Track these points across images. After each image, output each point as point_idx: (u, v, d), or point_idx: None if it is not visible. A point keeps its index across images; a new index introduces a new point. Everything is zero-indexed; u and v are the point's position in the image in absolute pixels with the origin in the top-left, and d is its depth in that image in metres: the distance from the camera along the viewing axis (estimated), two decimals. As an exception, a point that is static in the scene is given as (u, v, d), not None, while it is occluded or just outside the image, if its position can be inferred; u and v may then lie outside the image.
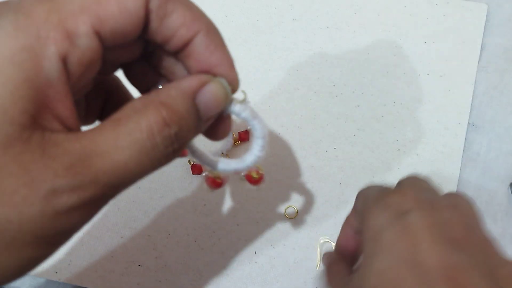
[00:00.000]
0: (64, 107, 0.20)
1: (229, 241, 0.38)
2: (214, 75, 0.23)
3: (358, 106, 0.41)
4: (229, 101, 0.24)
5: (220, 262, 0.38)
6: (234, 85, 0.24)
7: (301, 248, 0.38)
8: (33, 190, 0.18)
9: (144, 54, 0.25)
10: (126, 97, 0.28)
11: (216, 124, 0.25)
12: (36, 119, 0.19)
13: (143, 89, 0.27)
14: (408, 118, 0.41)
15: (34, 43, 0.19)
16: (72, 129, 0.21)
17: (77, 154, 0.19)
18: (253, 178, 0.34)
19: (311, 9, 0.45)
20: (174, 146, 0.22)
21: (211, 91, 0.23)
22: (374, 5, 0.45)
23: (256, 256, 0.38)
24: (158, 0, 0.21)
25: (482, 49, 0.43)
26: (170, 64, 0.25)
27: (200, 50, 0.23)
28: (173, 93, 0.22)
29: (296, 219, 0.39)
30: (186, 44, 0.23)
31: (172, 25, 0.22)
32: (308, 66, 0.43)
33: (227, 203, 0.39)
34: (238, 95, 0.24)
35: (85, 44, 0.20)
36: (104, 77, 0.26)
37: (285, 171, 0.40)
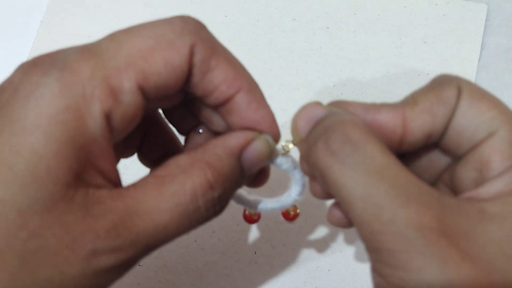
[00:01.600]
0: (107, 161, 0.20)
1: (229, 241, 0.38)
2: (259, 131, 0.23)
3: (358, 106, 0.41)
4: (273, 156, 0.25)
5: (220, 262, 0.38)
6: (277, 139, 0.24)
7: (301, 248, 0.38)
8: (74, 251, 0.18)
9: (184, 101, 0.25)
10: (164, 130, 0.28)
11: (256, 174, 0.25)
12: (80, 176, 0.19)
13: (182, 130, 0.27)
14: (408, 118, 0.41)
15: (79, 102, 0.19)
16: (114, 182, 0.21)
17: (119, 214, 0.19)
18: (289, 216, 0.35)
19: (311, 9, 0.45)
20: (216, 209, 0.22)
21: (257, 149, 0.23)
22: (374, 5, 0.45)
23: (256, 256, 0.38)
24: (202, 55, 0.21)
25: (482, 49, 0.43)
26: (209, 114, 0.25)
27: (242, 107, 0.23)
28: (219, 152, 0.22)
29: (296, 219, 0.39)
30: (227, 100, 0.23)
31: (214, 81, 0.22)
32: (308, 66, 0.43)
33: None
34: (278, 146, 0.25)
35: (129, 100, 0.20)
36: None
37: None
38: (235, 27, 0.44)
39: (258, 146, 0.23)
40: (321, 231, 0.38)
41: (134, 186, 0.21)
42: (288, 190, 0.27)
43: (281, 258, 0.38)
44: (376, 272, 0.20)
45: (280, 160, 0.25)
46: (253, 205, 0.27)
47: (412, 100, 0.23)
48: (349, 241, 0.38)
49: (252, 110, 0.23)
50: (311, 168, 0.23)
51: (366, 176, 0.19)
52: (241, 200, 0.27)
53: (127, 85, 0.20)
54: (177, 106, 0.25)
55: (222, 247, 0.38)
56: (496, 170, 0.20)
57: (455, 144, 0.22)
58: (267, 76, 0.43)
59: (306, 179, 0.26)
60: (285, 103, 0.42)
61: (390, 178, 0.19)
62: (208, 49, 0.22)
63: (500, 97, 0.22)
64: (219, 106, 0.23)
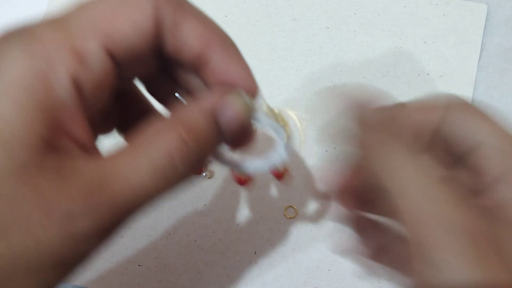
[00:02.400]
0: (79, 128, 0.20)
1: (229, 241, 0.38)
2: (233, 88, 0.23)
3: (358, 106, 0.41)
4: (251, 112, 0.24)
5: (220, 262, 0.38)
6: (254, 94, 0.24)
7: (301, 248, 0.38)
8: (48, 216, 0.18)
9: (161, 67, 0.24)
10: (144, 104, 0.27)
11: (239, 134, 0.24)
12: (51, 143, 0.19)
13: (162, 100, 0.26)
14: (408, 118, 0.41)
15: (44, 67, 0.19)
16: (88, 149, 0.20)
17: (94, 178, 0.19)
18: (280, 174, 0.34)
19: (311, 9, 0.45)
20: (194, 166, 0.21)
21: (232, 106, 0.22)
22: (374, 5, 0.45)
23: (256, 256, 0.38)
24: (168, 13, 0.21)
25: (482, 49, 0.43)
26: (187, 77, 0.24)
27: (214, 62, 0.22)
28: (193, 112, 0.21)
29: (296, 219, 0.39)
30: (200, 57, 0.22)
31: (183, 38, 0.22)
32: (308, 66, 0.43)
33: (227, 203, 0.39)
34: (259, 102, 0.24)
35: (97, 64, 0.20)
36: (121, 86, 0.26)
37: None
38: (235, 27, 0.44)
39: (233, 103, 0.22)
40: (321, 231, 0.38)
41: (108, 153, 0.20)
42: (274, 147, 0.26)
43: (281, 258, 0.38)
44: (413, 270, 0.20)
45: (260, 116, 0.24)
46: (239, 165, 0.26)
47: (400, 104, 0.24)
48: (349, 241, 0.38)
49: (224, 65, 0.22)
50: (361, 146, 0.23)
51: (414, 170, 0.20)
52: (224, 160, 0.26)
53: (92, 47, 0.20)
54: (156, 76, 0.24)
55: (222, 247, 0.38)
56: (490, 177, 0.21)
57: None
58: (267, 76, 0.43)
59: (291, 133, 0.26)
60: (285, 103, 0.42)
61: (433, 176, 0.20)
62: (173, 6, 0.21)
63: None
64: (194, 66, 0.23)
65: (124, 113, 0.27)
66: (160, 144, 0.20)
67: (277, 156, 0.26)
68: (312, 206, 0.39)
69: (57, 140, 0.19)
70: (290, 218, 0.38)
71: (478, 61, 0.42)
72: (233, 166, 0.26)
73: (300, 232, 0.38)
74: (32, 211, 0.18)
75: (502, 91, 0.41)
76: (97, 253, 0.20)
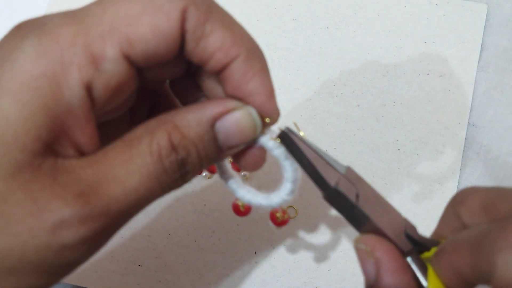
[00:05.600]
0: (83, 134, 0.19)
1: (229, 241, 0.38)
2: (246, 102, 0.22)
3: (358, 106, 0.41)
4: (258, 133, 0.22)
5: (220, 262, 0.38)
6: (271, 116, 0.22)
7: (301, 248, 0.38)
8: (39, 221, 0.18)
9: (187, 70, 0.23)
10: (172, 104, 0.26)
11: (246, 154, 0.23)
12: (50, 146, 0.18)
13: (184, 102, 0.26)
14: (408, 118, 0.41)
15: (56, 69, 0.18)
16: (89, 153, 0.20)
17: (88, 181, 0.18)
18: (277, 220, 0.31)
19: (311, 9, 0.45)
20: (182, 172, 0.20)
21: (235, 120, 0.21)
22: (374, 5, 0.45)
23: (256, 256, 0.38)
24: (195, 21, 0.20)
25: (482, 49, 0.43)
26: (212, 84, 0.23)
27: (236, 76, 0.21)
28: (189, 117, 0.20)
29: (296, 219, 0.39)
30: (223, 68, 0.21)
31: (209, 48, 0.21)
32: (308, 66, 0.43)
33: (227, 203, 0.39)
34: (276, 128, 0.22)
35: (112, 69, 0.19)
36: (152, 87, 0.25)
37: (285, 171, 0.40)
38: (235, 27, 0.44)
39: (236, 117, 0.21)
40: (321, 231, 0.38)
41: (103, 151, 0.20)
42: (280, 186, 0.24)
43: (281, 258, 0.38)
44: None
45: (270, 143, 0.22)
46: (238, 191, 0.24)
47: None
48: (349, 241, 0.38)
49: (245, 79, 0.21)
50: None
51: None
52: (227, 179, 0.24)
53: (110, 52, 0.19)
54: (181, 77, 0.24)
55: (222, 247, 0.38)
56: None
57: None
58: (267, 76, 0.43)
59: (299, 175, 0.23)
60: (285, 103, 0.42)
61: None
62: (203, 13, 0.20)
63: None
64: (218, 77, 0.22)
65: (152, 113, 0.26)
66: (151, 143, 0.19)
67: (278, 198, 0.24)
68: (312, 206, 0.39)
69: (58, 145, 0.19)
70: (290, 218, 0.38)
71: (478, 61, 0.42)
72: (232, 188, 0.24)
73: (300, 232, 0.38)
74: (23, 215, 0.18)
75: (502, 91, 0.41)
76: (89, 259, 0.20)
